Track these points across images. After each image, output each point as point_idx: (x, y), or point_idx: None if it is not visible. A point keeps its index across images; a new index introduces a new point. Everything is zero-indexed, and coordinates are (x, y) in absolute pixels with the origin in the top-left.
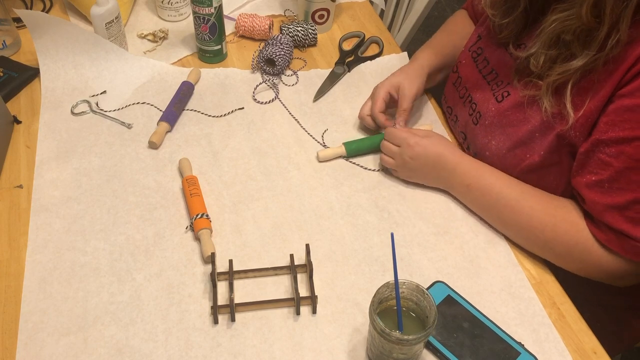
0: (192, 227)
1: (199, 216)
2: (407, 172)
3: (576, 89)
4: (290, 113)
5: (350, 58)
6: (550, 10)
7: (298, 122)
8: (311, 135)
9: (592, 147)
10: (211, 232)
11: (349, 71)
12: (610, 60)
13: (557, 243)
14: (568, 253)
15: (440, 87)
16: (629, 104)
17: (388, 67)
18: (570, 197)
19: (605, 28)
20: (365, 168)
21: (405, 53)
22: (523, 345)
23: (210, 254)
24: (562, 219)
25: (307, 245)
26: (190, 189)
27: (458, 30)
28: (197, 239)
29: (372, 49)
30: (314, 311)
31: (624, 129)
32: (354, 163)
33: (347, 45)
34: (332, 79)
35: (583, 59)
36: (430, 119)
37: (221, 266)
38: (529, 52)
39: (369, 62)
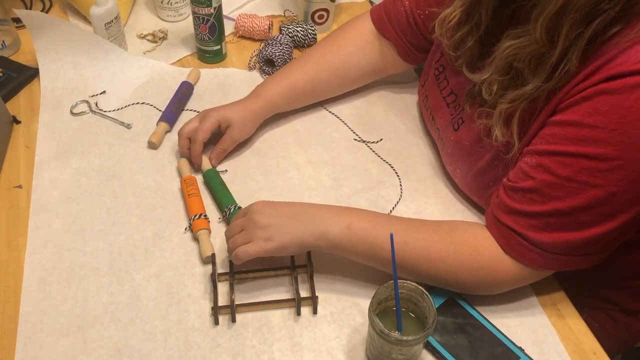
0: (190, 228)
1: (197, 217)
2: (262, 233)
3: (522, 115)
4: (289, 113)
5: None
6: (505, 36)
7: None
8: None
9: (520, 157)
10: (210, 232)
11: None
12: (556, 90)
13: (462, 271)
14: (474, 277)
15: None
16: (557, 119)
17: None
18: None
19: (557, 52)
20: (365, 168)
21: None
22: (523, 350)
23: (209, 255)
24: (459, 244)
25: None
26: (188, 189)
27: (335, 58)
28: (196, 239)
29: None
30: (315, 311)
31: (548, 142)
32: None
33: None
34: None
35: (533, 85)
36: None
37: (221, 266)
38: (482, 77)
39: None
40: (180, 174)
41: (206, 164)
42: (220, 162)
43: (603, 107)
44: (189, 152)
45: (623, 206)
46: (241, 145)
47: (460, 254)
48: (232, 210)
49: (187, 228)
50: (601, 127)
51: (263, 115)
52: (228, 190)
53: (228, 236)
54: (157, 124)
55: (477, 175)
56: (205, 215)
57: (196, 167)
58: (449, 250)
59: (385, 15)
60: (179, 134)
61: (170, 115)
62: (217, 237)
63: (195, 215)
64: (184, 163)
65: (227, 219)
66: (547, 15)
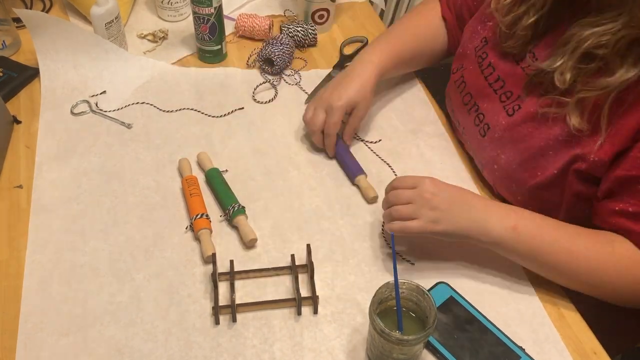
0: (192, 227)
1: (198, 216)
2: (431, 214)
3: (610, 107)
4: (289, 113)
5: (349, 63)
6: (575, 23)
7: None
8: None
9: (632, 177)
10: (211, 232)
11: None
12: None
13: (621, 282)
14: (633, 289)
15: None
16: None
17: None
18: (580, 220)
19: None
20: (365, 168)
21: None
22: (524, 349)
23: (210, 254)
24: (620, 256)
25: (308, 246)
26: (190, 189)
27: (422, 34)
28: (197, 239)
29: None
30: (315, 311)
31: None
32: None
33: (349, 50)
34: (327, 82)
35: (629, 73)
36: (430, 119)
37: (221, 266)
38: (554, 66)
39: None
40: (181, 174)
41: (208, 164)
42: (225, 151)
43: None
44: (322, 144)
45: None
46: (241, 145)
47: (620, 265)
48: (235, 208)
49: (188, 227)
50: None
51: (377, 80)
52: (230, 189)
53: (392, 202)
54: (357, 179)
55: (525, 162)
56: (207, 215)
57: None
58: (610, 261)
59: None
60: (312, 130)
61: (355, 166)
62: (217, 237)
63: (196, 215)
64: (186, 163)
65: (229, 217)
66: None
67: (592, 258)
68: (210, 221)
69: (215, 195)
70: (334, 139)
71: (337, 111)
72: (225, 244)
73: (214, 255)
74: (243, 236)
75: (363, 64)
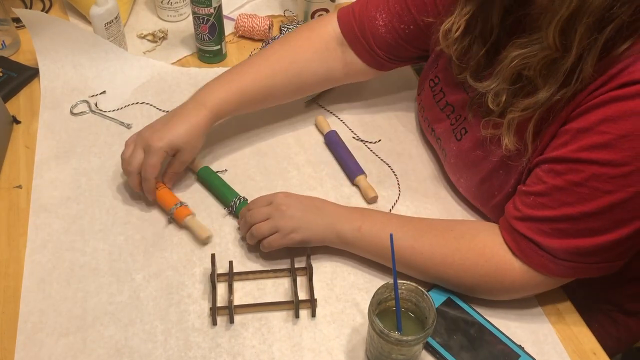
0: (173, 220)
1: (177, 206)
2: (289, 224)
3: (536, 124)
4: (289, 113)
5: None
6: (510, 44)
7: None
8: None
9: (535, 165)
10: (195, 216)
11: None
12: (571, 97)
13: (468, 276)
14: (481, 283)
15: None
16: (569, 127)
17: (387, 72)
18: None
19: (571, 58)
20: (365, 168)
21: None
22: (523, 348)
23: (208, 235)
24: (467, 249)
25: (308, 248)
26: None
27: (291, 64)
28: (184, 228)
29: None
30: (313, 314)
31: (559, 149)
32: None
33: None
34: None
35: (545, 93)
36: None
37: (221, 267)
38: (489, 87)
39: None
40: None
41: (198, 164)
42: (225, 151)
43: (614, 114)
44: (141, 189)
45: (635, 213)
46: (241, 145)
47: (465, 260)
48: (240, 201)
49: (170, 220)
50: (612, 133)
51: (209, 125)
52: (227, 184)
53: (251, 222)
54: (357, 179)
55: (481, 184)
56: (183, 203)
57: (150, 201)
58: (455, 256)
59: (358, 28)
60: (128, 171)
61: (355, 166)
62: (217, 237)
63: (174, 205)
64: None
65: (235, 211)
66: (560, 20)
67: (437, 254)
68: (188, 207)
69: (215, 191)
70: (152, 183)
71: (155, 153)
72: (225, 244)
73: (213, 256)
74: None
75: (196, 105)
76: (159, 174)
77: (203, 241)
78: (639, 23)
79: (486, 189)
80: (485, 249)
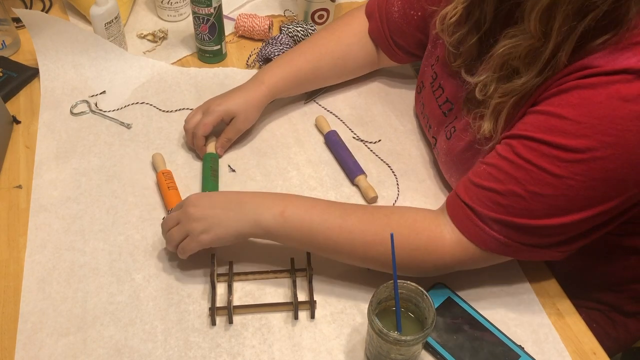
0: None
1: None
2: (198, 226)
3: (509, 110)
4: (289, 113)
5: None
6: (503, 36)
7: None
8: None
9: (498, 141)
10: None
11: None
12: (542, 83)
13: (399, 251)
14: (412, 258)
15: None
16: (535, 109)
17: (387, 72)
18: None
19: (550, 46)
20: (365, 168)
21: None
22: (523, 348)
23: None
24: (397, 225)
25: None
26: (167, 182)
27: (339, 50)
28: None
29: None
30: (312, 316)
31: (519, 128)
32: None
33: None
34: None
35: (524, 79)
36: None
37: (221, 267)
38: (480, 78)
39: None
40: (155, 168)
41: (210, 148)
42: (226, 151)
43: (574, 100)
44: (192, 144)
45: (579, 203)
46: (241, 145)
47: (396, 235)
48: None
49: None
50: (570, 118)
51: (266, 101)
52: (217, 178)
53: (164, 229)
54: (357, 179)
55: None
56: None
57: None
58: (385, 232)
59: (378, 12)
60: (185, 129)
61: (355, 166)
62: None
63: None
64: (159, 157)
65: None
66: (540, 7)
67: (367, 231)
68: None
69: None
70: (201, 141)
71: (212, 114)
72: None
73: (213, 256)
74: None
75: (255, 82)
76: (209, 133)
77: None
78: (617, 13)
79: None
80: (416, 223)
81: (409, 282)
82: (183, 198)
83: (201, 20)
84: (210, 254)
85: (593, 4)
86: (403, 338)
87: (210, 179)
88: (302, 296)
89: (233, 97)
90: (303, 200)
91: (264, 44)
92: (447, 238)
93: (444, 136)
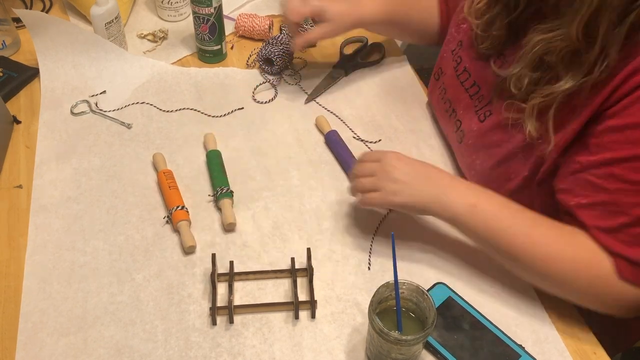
0: (170, 219)
1: (177, 208)
2: (391, 186)
3: (558, 111)
4: (289, 113)
5: (349, 62)
6: (532, 30)
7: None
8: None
9: (581, 168)
10: (190, 223)
11: (345, 75)
12: (596, 84)
13: (577, 276)
14: (589, 286)
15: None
16: (615, 124)
17: (387, 72)
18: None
19: (596, 50)
20: None
21: (405, 57)
22: (524, 347)
23: (190, 245)
24: (580, 248)
25: (309, 250)
26: (168, 181)
27: (415, 7)
28: (177, 230)
29: (374, 55)
30: (313, 316)
31: (612, 150)
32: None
33: (349, 50)
34: (327, 82)
35: (569, 82)
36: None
37: (221, 267)
38: (512, 72)
39: (367, 67)
40: (156, 168)
41: (212, 144)
42: (225, 151)
43: None
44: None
45: None
46: (241, 145)
47: (578, 259)
48: (222, 191)
49: (167, 219)
50: None
51: (355, 23)
52: (225, 173)
53: (356, 175)
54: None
55: (497, 166)
56: (185, 207)
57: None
58: (568, 252)
59: None
60: (283, 11)
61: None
62: (217, 237)
63: (175, 207)
64: (160, 157)
65: (215, 199)
66: (582, 19)
67: (551, 244)
68: (188, 213)
69: (210, 175)
70: (292, 26)
71: (307, 6)
72: (225, 244)
73: (213, 255)
74: (223, 219)
75: (353, 6)
76: (298, 20)
77: (186, 250)
78: None
79: (502, 172)
80: (597, 251)
81: (409, 281)
82: (184, 197)
83: (201, 20)
84: (212, 253)
85: (636, 5)
86: (404, 338)
87: (221, 174)
88: (302, 296)
89: (333, 5)
90: (496, 198)
91: (264, 44)
92: (621, 285)
93: (476, 119)
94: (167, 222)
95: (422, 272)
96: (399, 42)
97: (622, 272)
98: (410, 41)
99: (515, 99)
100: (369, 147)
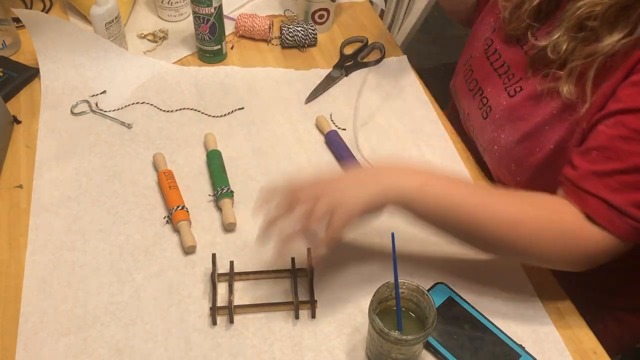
0: (170, 219)
1: (178, 208)
2: (346, 194)
3: (597, 73)
4: (289, 113)
5: (349, 62)
6: (570, 1)
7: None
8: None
9: (595, 121)
10: (190, 223)
11: (346, 75)
12: (634, 44)
13: (541, 235)
14: (554, 243)
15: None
16: (636, 79)
17: (387, 72)
18: None
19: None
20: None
21: (405, 57)
22: (524, 347)
23: (190, 245)
24: (543, 206)
25: (309, 250)
26: (168, 181)
27: None
28: (177, 230)
29: (374, 55)
30: (313, 316)
31: (626, 101)
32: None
33: (349, 50)
34: (327, 82)
35: (611, 39)
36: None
37: (222, 266)
38: (551, 39)
39: (367, 68)
40: (156, 168)
41: (212, 144)
42: (225, 150)
43: None
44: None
45: None
46: (241, 145)
47: (542, 217)
48: (223, 191)
49: (167, 219)
50: None
51: None
52: (225, 172)
53: (301, 206)
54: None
55: (523, 140)
56: (185, 207)
57: None
58: (529, 212)
59: None
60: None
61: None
62: (217, 237)
63: (175, 207)
64: (160, 157)
65: (216, 198)
66: None
67: (511, 210)
68: (188, 213)
69: (210, 175)
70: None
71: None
72: (225, 244)
73: (214, 255)
74: (223, 219)
75: None
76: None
77: (186, 250)
78: None
79: (527, 145)
80: (560, 207)
81: (409, 281)
82: (184, 197)
83: (201, 20)
84: (212, 253)
85: None
86: (404, 337)
87: (221, 174)
88: (302, 296)
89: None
90: (445, 176)
91: (268, 43)
92: (592, 228)
93: (505, 94)
94: (167, 222)
95: (422, 272)
96: (398, 42)
97: (597, 215)
98: (446, 7)
99: (552, 69)
100: (369, 147)
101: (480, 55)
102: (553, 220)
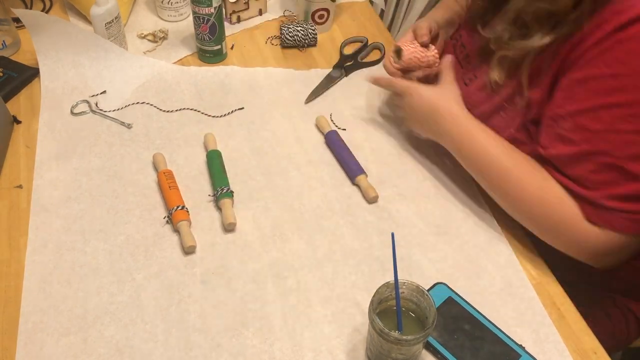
0: (170, 219)
1: (178, 208)
2: (408, 121)
3: (532, 67)
4: (289, 113)
5: (349, 63)
6: None
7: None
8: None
9: (552, 121)
10: (190, 223)
11: (346, 75)
12: (565, 37)
13: (544, 218)
14: (554, 228)
15: None
16: (578, 77)
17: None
18: None
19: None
20: (366, 168)
21: None
22: (524, 347)
23: (190, 245)
24: (550, 194)
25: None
26: (168, 181)
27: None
28: (177, 230)
29: (374, 55)
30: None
31: (576, 101)
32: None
33: (349, 50)
34: (327, 82)
35: (540, 41)
36: None
37: (221, 266)
38: (494, 32)
39: (367, 68)
40: (156, 168)
41: (212, 144)
42: (225, 150)
43: (621, 56)
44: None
45: None
46: (241, 144)
47: (546, 202)
48: (223, 191)
49: (167, 219)
50: (624, 74)
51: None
52: (225, 173)
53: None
54: (357, 179)
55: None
56: (184, 207)
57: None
58: (536, 194)
59: None
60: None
61: (356, 166)
62: (217, 237)
63: (175, 207)
64: (160, 157)
65: (216, 198)
66: None
67: (524, 189)
68: (188, 213)
69: (210, 175)
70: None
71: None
72: (225, 244)
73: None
74: (223, 219)
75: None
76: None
77: (186, 250)
78: None
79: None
80: (565, 198)
81: (410, 281)
82: (184, 197)
83: (201, 20)
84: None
85: None
86: (404, 337)
87: (221, 174)
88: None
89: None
90: (484, 137)
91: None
92: (587, 229)
93: (462, 83)
94: (167, 222)
95: (422, 272)
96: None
97: (589, 215)
98: None
99: (494, 57)
100: (369, 147)
101: (452, 49)
102: (555, 209)
